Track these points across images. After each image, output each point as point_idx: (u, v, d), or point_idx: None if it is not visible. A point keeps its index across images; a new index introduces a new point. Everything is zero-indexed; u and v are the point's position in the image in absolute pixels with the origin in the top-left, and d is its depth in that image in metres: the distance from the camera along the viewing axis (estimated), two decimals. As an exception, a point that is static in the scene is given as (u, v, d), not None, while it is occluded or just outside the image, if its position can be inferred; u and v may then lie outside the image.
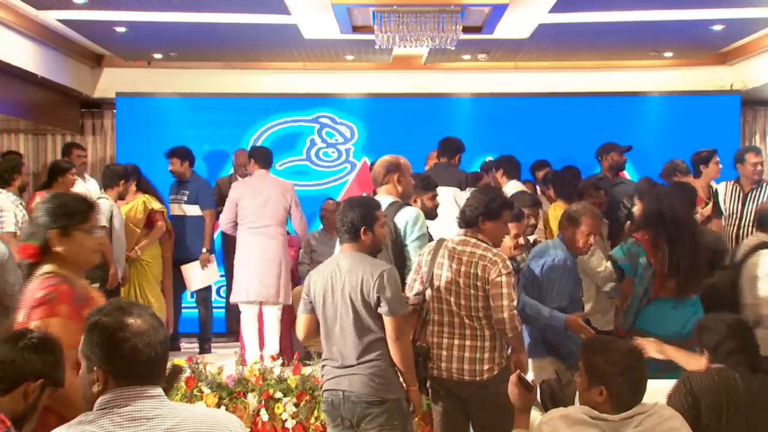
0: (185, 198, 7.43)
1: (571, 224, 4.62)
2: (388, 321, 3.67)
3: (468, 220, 4.09)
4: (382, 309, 3.66)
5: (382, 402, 3.69)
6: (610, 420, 2.72)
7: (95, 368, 2.05)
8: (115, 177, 6.73)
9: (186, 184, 7.49)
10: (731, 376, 3.14)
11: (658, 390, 3.38)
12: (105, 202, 6.46)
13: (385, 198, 4.58)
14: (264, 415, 5.45)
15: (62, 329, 2.61)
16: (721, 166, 6.80)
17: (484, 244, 4.02)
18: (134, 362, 2.04)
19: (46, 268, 2.77)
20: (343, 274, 3.75)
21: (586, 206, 4.81)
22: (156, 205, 7.09)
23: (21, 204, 6.16)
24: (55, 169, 6.79)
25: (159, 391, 2.08)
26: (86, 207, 2.89)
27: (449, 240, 4.11)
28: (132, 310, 2.09)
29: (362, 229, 3.78)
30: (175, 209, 7.44)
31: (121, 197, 6.81)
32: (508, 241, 4.63)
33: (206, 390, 5.57)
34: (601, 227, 4.67)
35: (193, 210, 7.40)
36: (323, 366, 3.88)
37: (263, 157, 6.74)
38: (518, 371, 3.22)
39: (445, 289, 4.01)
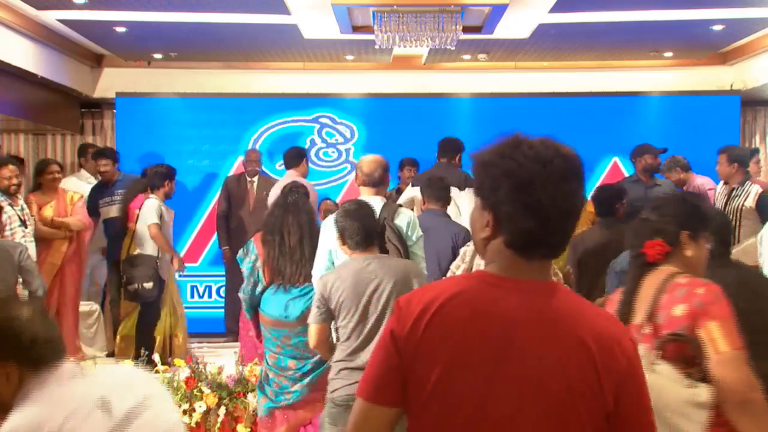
0: None
1: None
2: None
3: None
4: None
5: None
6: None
7: (3, 368, 2.10)
8: (161, 178, 6.89)
9: (117, 184, 7.38)
10: None
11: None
12: (154, 201, 6.71)
13: (376, 199, 4.54)
14: (264, 415, 5.45)
15: (729, 330, 2.33)
16: (761, 165, 6.76)
17: None
18: (39, 345, 2.13)
19: (669, 269, 2.52)
20: (374, 277, 3.74)
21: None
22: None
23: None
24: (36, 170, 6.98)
25: (70, 365, 2.17)
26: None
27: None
28: (12, 302, 2.23)
29: (378, 233, 3.89)
30: (114, 211, 7.27)
31: (167, 196, 6.95)
32: None
33: (206, 390, 5.57)
34: None
35: None
36: (341, 370, 3.82)
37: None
38: None
39: None
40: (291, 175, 6.63)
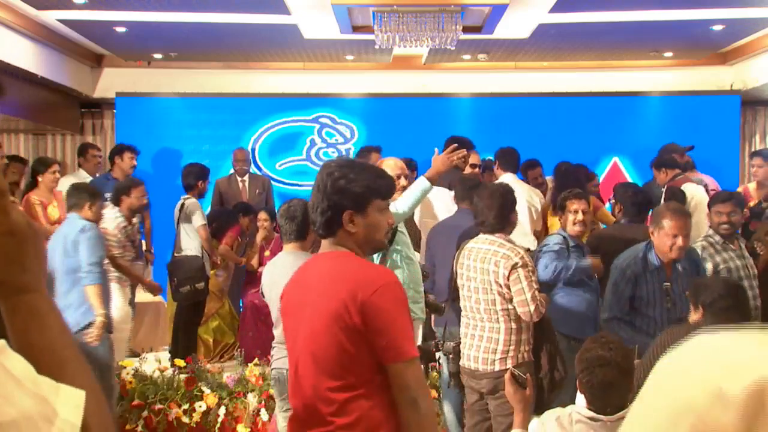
0: None
1: (655, 226, 4.40)
2: None
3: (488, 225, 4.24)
4: None
5: None
6: (606, 420, 2.72)
7: None
8: (195, 177, 6.88)
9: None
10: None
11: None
12: (196, 201, 6.70)
13: None
14: (264, 415, 5.45)
15: None
16: (754, 169, 6.94)
17: (501, 240, 4.12)
18: None
19: None
20: (288, 270, 4.04)
21: (670, 205, 4.61)
22: None
23: None
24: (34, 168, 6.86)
25: None
26: None
27: (472, 240, 4.30)
28: None
29: (310, 228, 4.20)
30: None
31: (200, 196, 6.93)
32: (570, 218, 4.73)
33: (206, 390, 5.58)
34: (689, 227, 4.38)
35: None
36: (274, 347, 4.19)
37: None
38: (511, 368, 3.22)
39: (466, 285, 4.21)
40: None
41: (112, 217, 6.04)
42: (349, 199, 2.43)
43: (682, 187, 6.14)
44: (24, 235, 1.13)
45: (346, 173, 2.45)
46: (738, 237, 5.22)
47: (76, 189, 5.29)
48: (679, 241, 4.29)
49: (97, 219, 5.23)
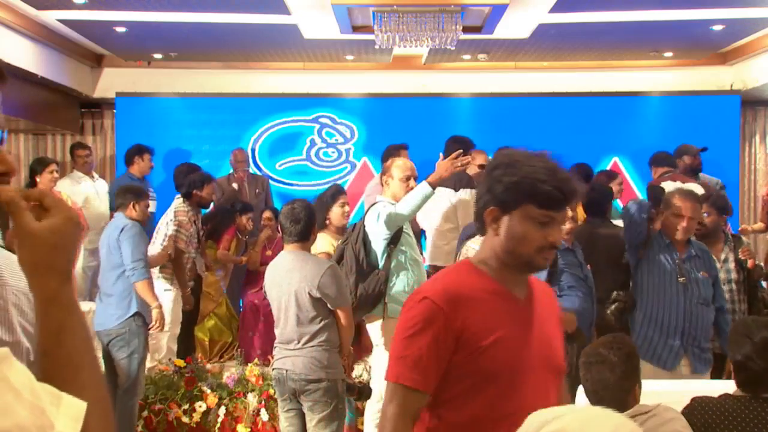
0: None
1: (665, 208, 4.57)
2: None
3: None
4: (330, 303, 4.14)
5: (318, 381, 4.12)
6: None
7: None
8: (184, 177, 6.81)
9: (145, 182, 7.43)
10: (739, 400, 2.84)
11: (658, 392, 3.37)
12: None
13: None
14: (264, 415, 5.45)
15: None
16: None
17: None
18: None
19: None
20: (287, 270, 4.17)
21: (680, 188, 4.71)
22: None
23: None
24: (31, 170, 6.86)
25: None
26: None
27: (471, 240, 4.37)
28: None
29: (313, 229, 4.27)
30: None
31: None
32: None
33: (206, 390, 5.57)
34: (696, 210, 4.50)
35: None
36: (275, 347, 4.31)
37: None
38: None
39: None
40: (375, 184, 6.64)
41: (184, 210, 6.12)
42: (496, 194, 2.04)
43: (662, 185, 6.15)
44: (78, 227, 1.12)
45: (505, 162, 2.06)
46: (728, 241, 5.26)
47: (122, 189, 5.54)
48: (684, 221, 4.44)
49: (142, 218, 5.40)
